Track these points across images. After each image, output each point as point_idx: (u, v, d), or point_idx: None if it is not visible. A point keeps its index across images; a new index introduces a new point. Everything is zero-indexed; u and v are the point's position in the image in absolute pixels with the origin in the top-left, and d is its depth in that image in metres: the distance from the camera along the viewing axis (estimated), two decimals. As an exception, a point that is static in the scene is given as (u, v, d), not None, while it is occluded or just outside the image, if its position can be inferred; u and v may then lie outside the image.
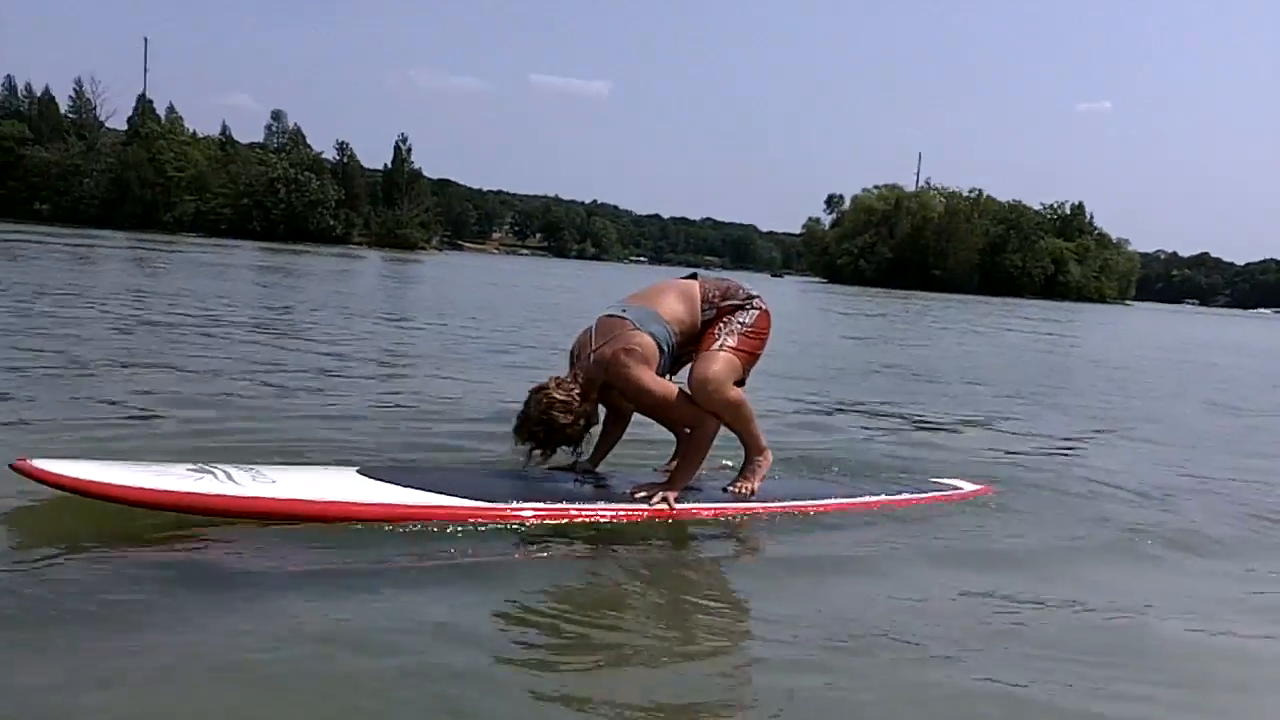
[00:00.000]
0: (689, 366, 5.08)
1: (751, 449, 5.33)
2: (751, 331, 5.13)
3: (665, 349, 4.96)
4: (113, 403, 6.81)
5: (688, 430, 5.11)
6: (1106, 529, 5.39)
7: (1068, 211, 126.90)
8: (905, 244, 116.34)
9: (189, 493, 4.14)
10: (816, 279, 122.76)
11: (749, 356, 5.15)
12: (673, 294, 5.12)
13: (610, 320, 5.00)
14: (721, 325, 5.10)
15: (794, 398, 10.00)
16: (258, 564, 3.81)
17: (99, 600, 3.35)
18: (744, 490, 5.22)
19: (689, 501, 4.96)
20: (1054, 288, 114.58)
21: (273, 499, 4.24)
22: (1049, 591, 4.24)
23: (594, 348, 4.94)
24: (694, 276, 5.27)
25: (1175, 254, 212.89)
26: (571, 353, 5.12)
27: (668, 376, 5.09)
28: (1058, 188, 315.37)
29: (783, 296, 49.50)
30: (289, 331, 13.11)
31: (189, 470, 4.34)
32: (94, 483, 4.06)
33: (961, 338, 25.35)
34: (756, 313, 5.18)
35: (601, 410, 5.13)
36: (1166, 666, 3.52)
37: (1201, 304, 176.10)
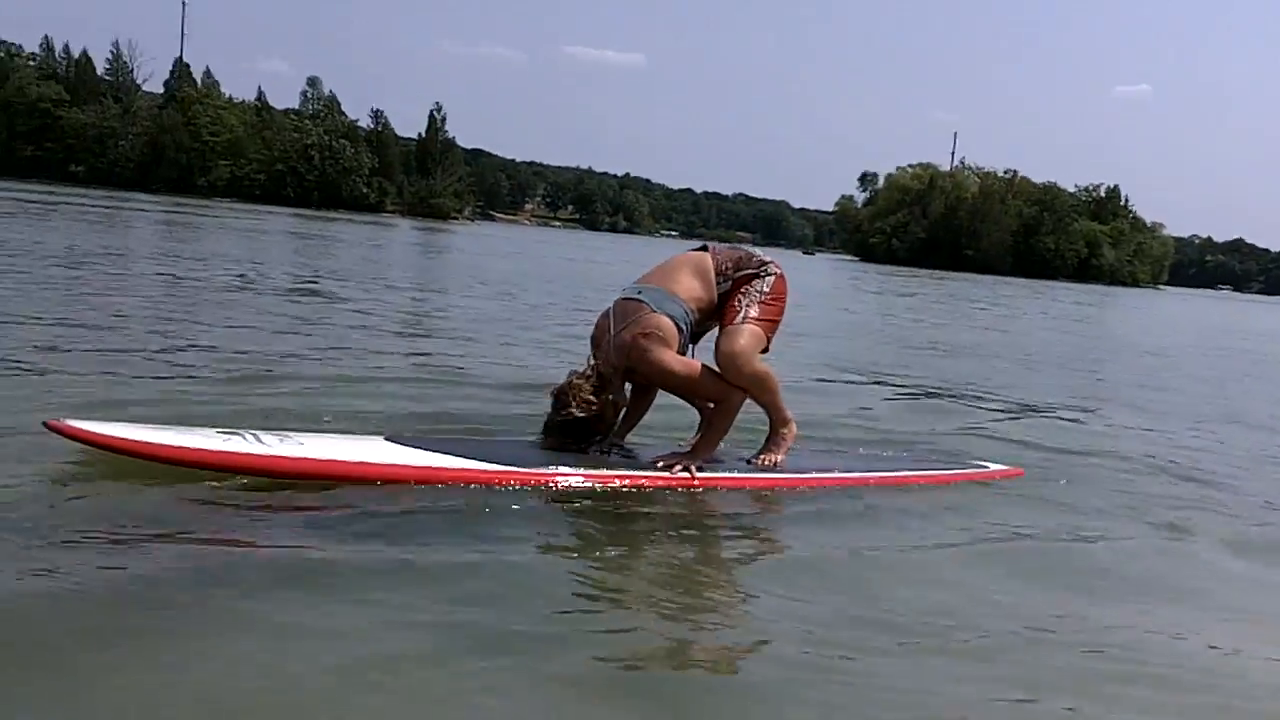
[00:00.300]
0: (714, 341, 5.09)
1: (776, 421, 5.31)
2: (771, 298, 5.12)
3: (684, 328, 4.97)
4: (142, 369, 6.84)
5: (711, 405, 5.12)
6: (1136, 517, 5.32)
7: (1103, 194, 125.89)
8: (939, 224, 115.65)
9: (219, 451, 4.20)
10: (849, 257, 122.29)
11: (771, 324, 5.15)
12: (686, 270, 5.12)
13: (627, 303, 5.00)
14: (741, 296, 5.08)
15: (823, 371, 10.00)
16: (278, 535, 3.85)
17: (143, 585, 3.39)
18: (768, 462, 5.21)
19: (712, 472, 4.96)
20: (1088, 271, 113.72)
21: (302, 459, 4.29)
22: (1077, 582, 4.18)
23: (613, 333, 4.95)
24: (704, 249, 5.26)
25: (1210, 239, 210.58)
26: (592, 338, 5.13)
27: (689, 352, 5.11)
28: (1093, 170, 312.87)
29: (815, 273, 49.41)
30: (318, 299, 13.17)
31: (218, 433, 4.39)
32: (125, 439, 4.12)
33: (993, 319, 25.23)
34: (773, 278, 5.16)
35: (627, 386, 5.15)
36: (1188, 673, 3.35)
37: (1235, 290, 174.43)
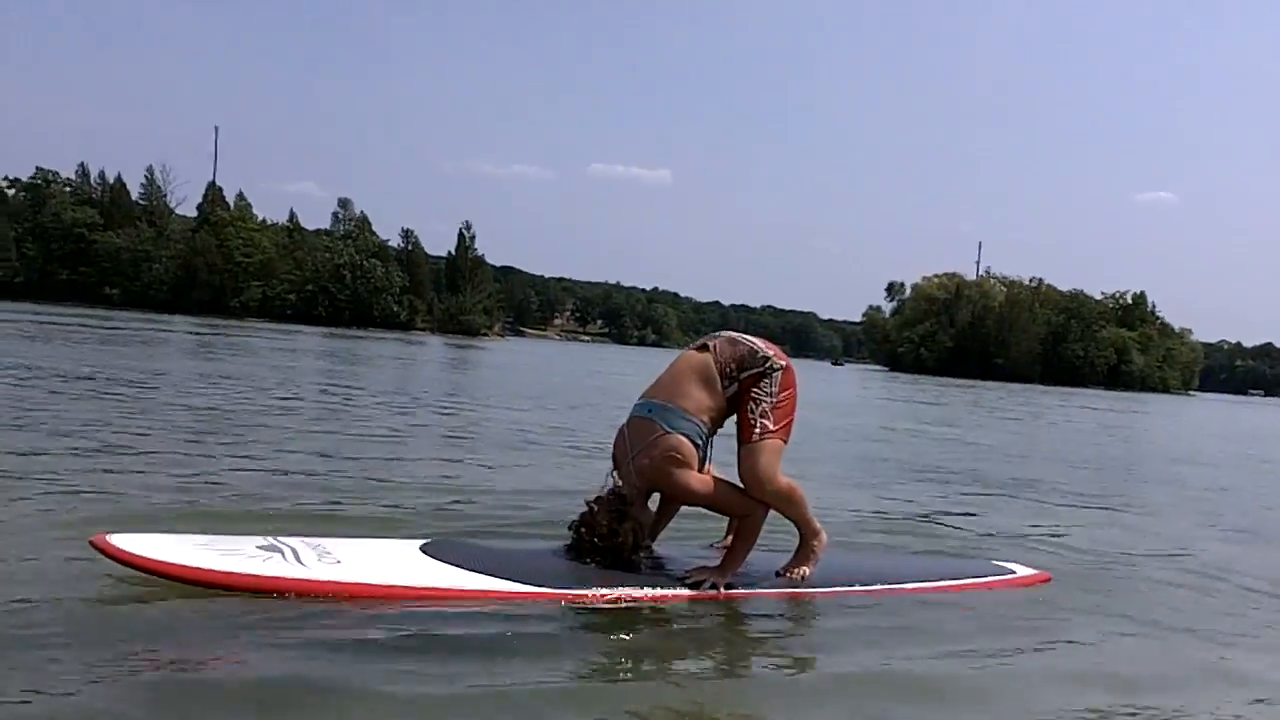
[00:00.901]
0: (736, 461, 5.09)
1: (806, 533, 5.31)
2: (782, 399, 5.09)
3: (700, 442, 4.99)
4: (187, 475, 6.99)
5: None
6: (1162, 626, 5.30)
7: (1129, 301, 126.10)
8: (966, 333, 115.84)
9: (256, 575, 4.28)
10: (877, 367, 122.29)
11: (787, 426, 5.13)
12: (692, 380, 5.06)
13: (640, 423, 5.02)
14: (752, 405, 5.04)
15: (853, 480, 10.03)
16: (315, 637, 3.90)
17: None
18: (797, 575, 5.22)
19: (742, 587, 4.98)
20: (1118, 377, 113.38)
21: (338, 582, 4.37)
22: (1107, 698, 4.12)
23: (632, 455, 4.99)
24: (705, 348, 5.17)
25: (1239, 344, 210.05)
26: (613, 457, 5.17)
27: (710, 450, 5.13)
28: (1119, 277, 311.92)
29: (844, 384, 49.41)
30: (351, 412, 13.31)
31: (258, 548, 4.49)
32: (165, 563, 4.22)
33: (1021, 425, 25.17)
34: (779, 373, 5.11)
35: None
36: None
37: (1267, 394, 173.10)
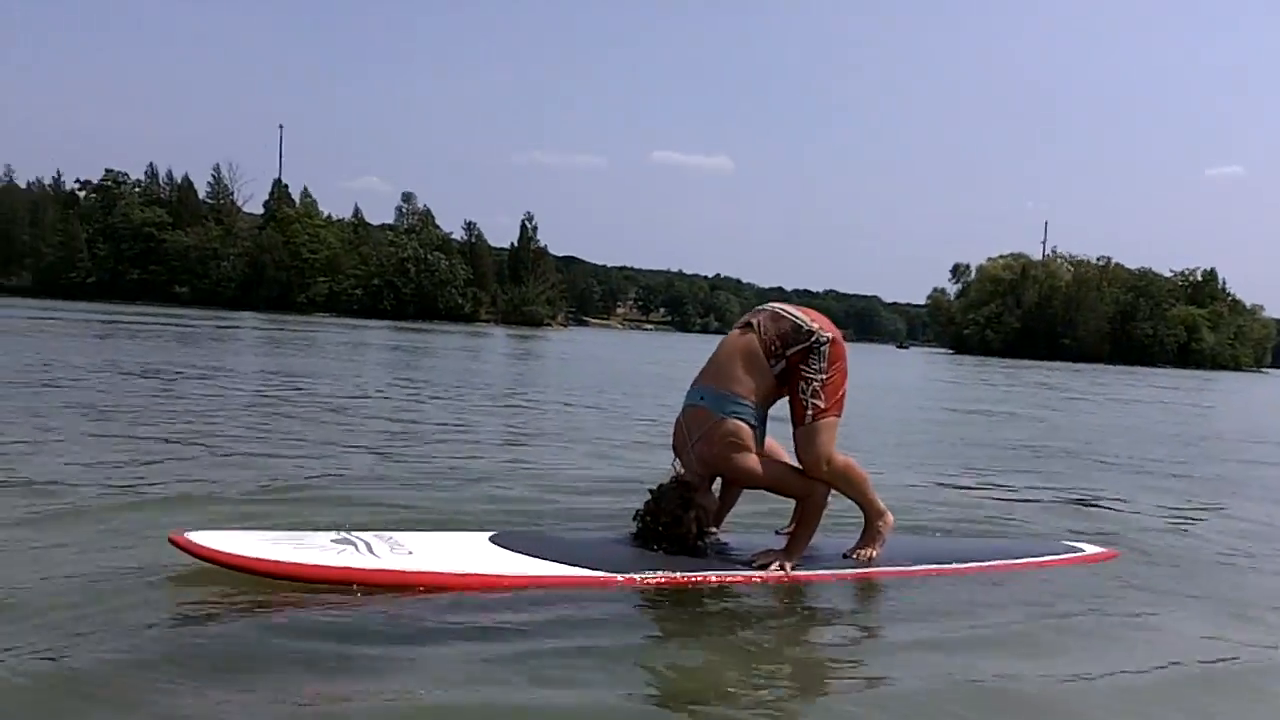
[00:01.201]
0: (794, 444, 5.14)
1: (871, 514, 5.34)
2: (831, 375, 5.07)
3: (755, 424, 5.02)
4: (261, 474, 7.12)
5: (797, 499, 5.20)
6: (1230, 602, 5.28)
7: (1199, 278, 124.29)
8: (1033, 313, 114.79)
9: (331, 566, 4.38)
10: (943, 350, 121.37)
11: (839, 402, 5.12)
12: (739, 363, 5.05)
13: (695, 411, 5.07)
14: (802, 385, 5.04)
15: (918, 462, 10.03)
16: (392, 630, 3.99)
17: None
18: (864, 556, 5.25)
19: (808, 569, 5.03)
20: (1188, 356, 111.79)
21: (410, 571, 4.46)
22: (1175, 671, 4.13)
23: (691, 443, 5.05)
24: (749, 327, 5.16)
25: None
26: (674, 447, 5.24)
27: (763, 439, 5.14)
28: (1188, 254, 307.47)
29: (909, 367, 49.10)
30: (419, 407, 13.47)
31: (332, 541, 4.60)
32: (243, 557, 4.33)
33: (1088, 406, 24.89)
34: (826, 346, 5.07)
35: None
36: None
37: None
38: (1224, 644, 4.51)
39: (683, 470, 5.12)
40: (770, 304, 5.34)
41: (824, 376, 5.06)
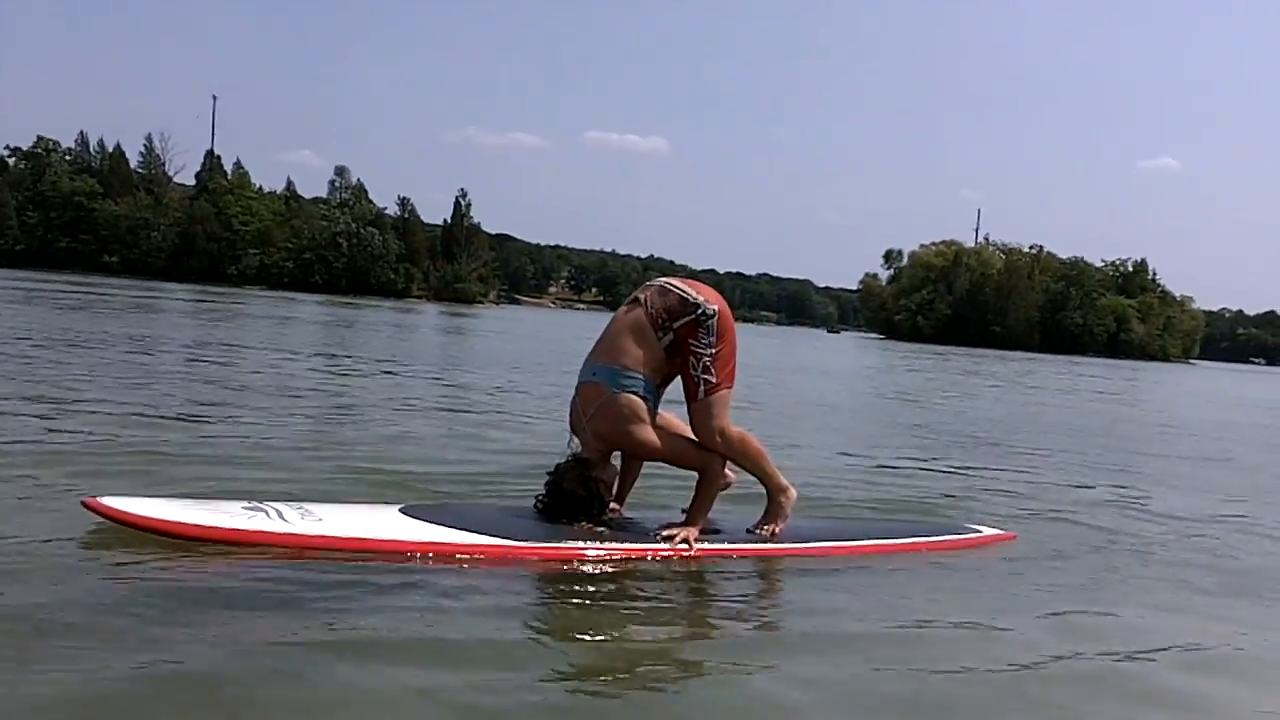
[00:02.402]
0: (690, 423, 5.21)
1: (772, 489, 5.41)
2: (720, 348, 5.13)
3: (648, 396, 5.09)
4: (174, 443, 7.11)
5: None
6: (1124, 578, 5.47)
7: (1130, 269, 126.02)
8: (964, 301, 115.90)
9: (242, 529, 4.45)
10: (874, 335, 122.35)
11: (731, 374, 5.19)
12: (628, 336, 5.12)
13: (587, 388, 5.14)
14: (693, 361, 5.10)
15: (836, 445, 10.20)
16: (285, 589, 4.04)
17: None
18: (766, 532, 5.34)
19: (711, 543, 5.13)
20: (1117, 346, 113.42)
21: (317, 535, 4.52)
22: (1066, 644, 4.24)
23: (586, 420, 5.12)
24: (636, 302, 5.22)
25: (1241, 312, 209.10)
26: (570, 426, 5.31)
27: (659, 403, 5.24)
28: (1120, 245, 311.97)
29: (839, 353, 49.51)
30: (341, 382, 13.44)
31: (244, 509, 4.66)
32: (156, 519, 4.40)
33: (1009, 392, 25.30)
34: (713, 320, 5.12)
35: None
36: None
37: (1269, 363, 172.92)
38: (1096, 628, 4.63)
39: (580, 448, 5.21)
40: (658, 278, 5.40)
41: (714, 351, 5.12)
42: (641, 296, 5.23)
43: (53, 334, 16.87)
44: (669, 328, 5.11)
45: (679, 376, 5.24)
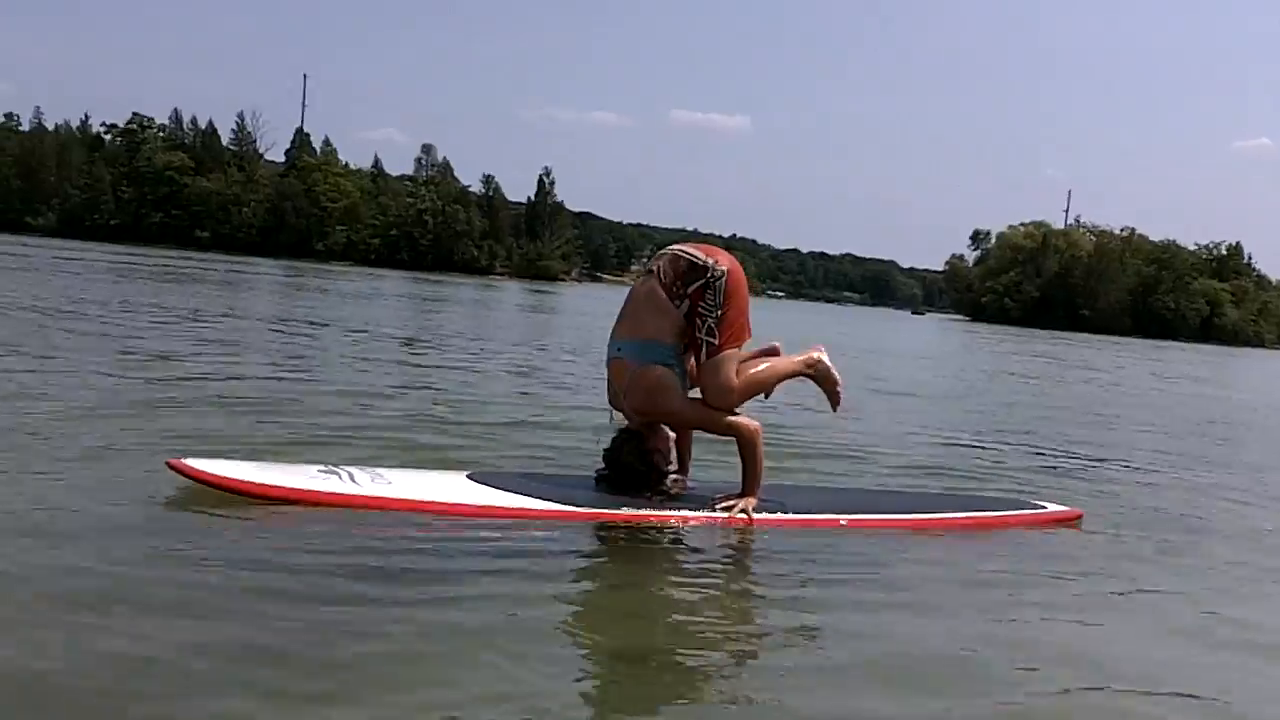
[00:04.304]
0: (698, 385, 5.28)
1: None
2: (726, 310, 5.14)
3: (676, 365, 5.17)
4: (262, 410, 7.41)
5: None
6: (1183, 565, 5.39)
7: (1224, 252, 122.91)
8: (1053, 283, 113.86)
9: (315, 490, 4.69)
10: (959, 317, 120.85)
11: (737, 333, 5.19)
12: (646, 308, 5.21)
13: (615, 365, 5.24)
14: (699, 323, 5.12)
15: (912, 424, 10.25)
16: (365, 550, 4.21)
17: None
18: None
19: (770, 513, 5.21)
20: (1210, 330, 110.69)
21: (389, 498, 4.74)
22: (1122, 621, 4.27)
23: (622, 396, 5.23)
24: (650, 273, 5.29)
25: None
26: (609, 401, 5.41)
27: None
28: (1213, 228, 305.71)
29: (921, 334, 49.09)
30: (424, 352, 13.70)
31: (319, 471, 4.89)
32: (236, 479, 4.66)
33: (1096, 376, 24.96)
34: (721, 280, 5.14)
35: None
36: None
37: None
38: (1153, 615, 4.63)
39: (624, 421, 5.33)
40: (671, 246, 5.42)
41: (719, 312, 5.12)
42: (655, 267, 5.28)
43: (178, 310, 17.33)
44: (683, 294, 5.15)
45: None
